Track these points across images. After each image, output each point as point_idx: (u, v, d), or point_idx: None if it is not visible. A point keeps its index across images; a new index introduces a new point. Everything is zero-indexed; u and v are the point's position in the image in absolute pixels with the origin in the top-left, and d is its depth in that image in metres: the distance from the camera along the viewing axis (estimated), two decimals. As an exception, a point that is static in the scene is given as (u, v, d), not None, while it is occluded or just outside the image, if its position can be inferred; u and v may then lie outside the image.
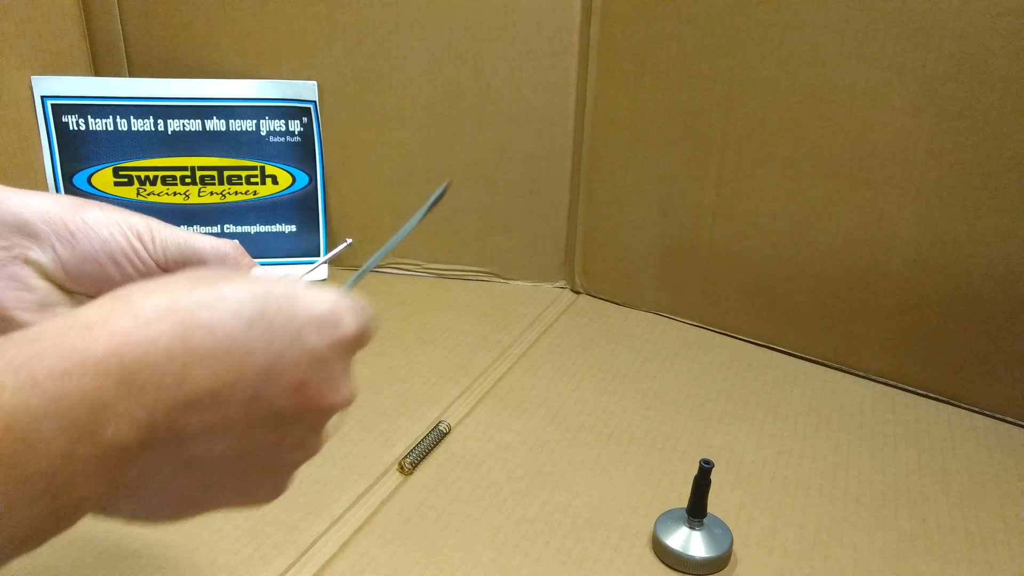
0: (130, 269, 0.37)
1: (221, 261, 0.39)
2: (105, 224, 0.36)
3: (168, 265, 0.38)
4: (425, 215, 0.42)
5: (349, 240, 0.51)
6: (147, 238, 0.37)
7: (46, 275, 0.37)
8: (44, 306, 0.37)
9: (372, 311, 0.32)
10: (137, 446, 0.25)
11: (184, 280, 0.28)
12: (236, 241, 0.40)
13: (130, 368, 0.24)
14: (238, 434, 0.28)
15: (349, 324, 0.30)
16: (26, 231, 0.35)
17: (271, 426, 0.28)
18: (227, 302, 0.27)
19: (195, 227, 0.89)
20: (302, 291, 0.29)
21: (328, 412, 0.30)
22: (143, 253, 0.37)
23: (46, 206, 0.36)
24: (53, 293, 0.37)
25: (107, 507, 0.27)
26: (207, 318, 0.26)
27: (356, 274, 0.39)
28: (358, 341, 0.31)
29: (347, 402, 0.30)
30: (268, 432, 0.28)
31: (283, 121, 0.89)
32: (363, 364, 0.72)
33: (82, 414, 0.23)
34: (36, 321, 0.37)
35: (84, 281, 0.37)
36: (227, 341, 0.26)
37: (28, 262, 0.36)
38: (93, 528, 0.43)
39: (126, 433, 0.24)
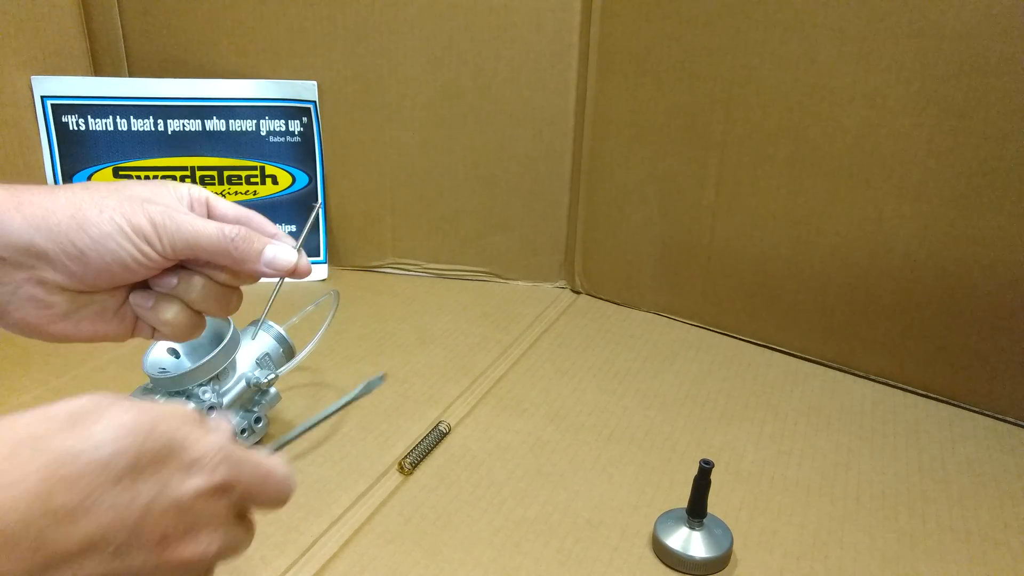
0: (142, 271, 0.38)
1: (225, 255, 0.39)
2: (112, 235, 0.36)
3: (178, 257, 0.39)
4: (350, 403, 0.43)
5: (315, 204, 0.54)
6: (154, 239, 0.37)
7: (62, 289, 0.37)
8: (67, 314, 0.38)
9: (283, 470, 0.31)
10: None
11: (61, 421, 0.27)
12: (245, 229, 0.40)
13: (3, 533, 0.24)
14: None
15: (222, 472, 0.29)
16: (35, 252, 0.36)
17: None
18: (99, 451, 0.26)
19: (195, 227, 0.89)
20: (187, 431, 0.28)
21: (190, 567, 0.29)
22: (152, 254, 0.38)
23: (47, 220, 0.36)
24: (74, 300, 0.38)
25: None
26: (70, 472, 0.25)
27: (283, 439, 0.40)
28: (244, 493, 0.30)
29: (212, 556, 0.29)
30: None
31: (283, 121, 0.89)
32: (363, 364, 0.73)
33: None
34: (66, 329, 0.38)
35: (99, 285, 0.38)
36: (89, 500, 0.26)
37: (43, 283, 0.37)
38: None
39: None
